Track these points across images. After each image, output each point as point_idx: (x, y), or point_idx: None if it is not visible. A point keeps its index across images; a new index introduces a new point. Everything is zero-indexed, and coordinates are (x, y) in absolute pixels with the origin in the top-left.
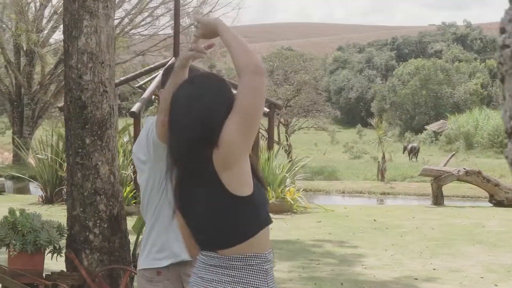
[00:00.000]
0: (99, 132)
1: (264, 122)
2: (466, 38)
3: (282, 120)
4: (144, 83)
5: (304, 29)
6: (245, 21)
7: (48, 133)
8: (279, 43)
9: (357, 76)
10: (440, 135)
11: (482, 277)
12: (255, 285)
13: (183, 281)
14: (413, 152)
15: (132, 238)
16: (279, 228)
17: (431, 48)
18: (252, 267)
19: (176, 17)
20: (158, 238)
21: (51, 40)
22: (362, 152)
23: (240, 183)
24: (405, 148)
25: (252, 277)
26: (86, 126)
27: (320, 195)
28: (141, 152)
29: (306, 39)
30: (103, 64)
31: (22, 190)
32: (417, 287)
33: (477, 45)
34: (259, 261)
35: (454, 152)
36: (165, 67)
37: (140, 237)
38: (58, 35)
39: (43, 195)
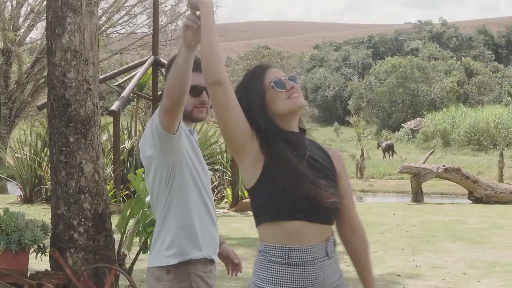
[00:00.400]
0: (83, 130)
1: None
2: (442, 36)
3: None
4: (123, 82)
5: (280, 28)
6: (220, 19)
7: (26, 132)
8: (255, 42)
9: (334, 74)
10: (417, 133)
11: (464, 273)
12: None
13: (192, 281)
14: (388, 149)
15: (117, 237)
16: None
17: (407, 46)
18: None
19: (155, 15)
20: (168, 235)
21: (28, 39)
22: (340, 150)
23: (243, 177)
24: (379, 145)
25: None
26: (70, 124)
27: None
28: (148, 147)
29: (282, 38)
30: (86, 62)
31: (0, 189)
32: (401, 284)
33: (453, 43)
34: (266, 252)
35: (433, 150)
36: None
37: (125, 235)
38: (35, 34)
39: (22, 194)
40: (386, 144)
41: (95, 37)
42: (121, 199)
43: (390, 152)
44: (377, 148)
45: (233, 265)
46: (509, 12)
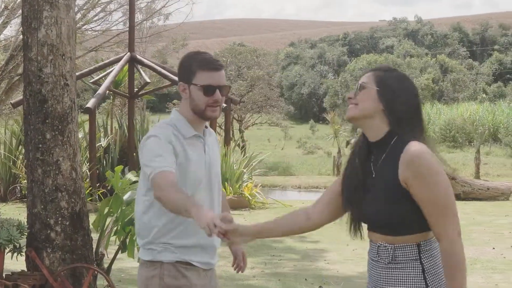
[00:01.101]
0: (60, 127)
1: (220, 117)
2: (417, 33)
3: (235, 116)
4: (99, 79)
5: (255, 25)
6: (195, 17)
7: (0, 131)
8: (230, 39)
9: (309, 72)
10: None
11: None
12: None
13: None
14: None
15: (94, 236)
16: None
17: (382, 43)
18: None
19: (131, 12)
20: None
21: (2, 36)
22: (316, 148)
23: None
24: (348, 143)
25: None
26: (47, 121)
27: (277, 190)
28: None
29: (257, 35)
30: (64, 57)
31: None
32: None
33: (428, 41)
34: None
35: None
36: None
37: (103, 234)
38: (9, 31)
39: None
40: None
41: (72, 31)
42: (97, 197)
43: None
44: (346, 147)
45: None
46: (483, 9)
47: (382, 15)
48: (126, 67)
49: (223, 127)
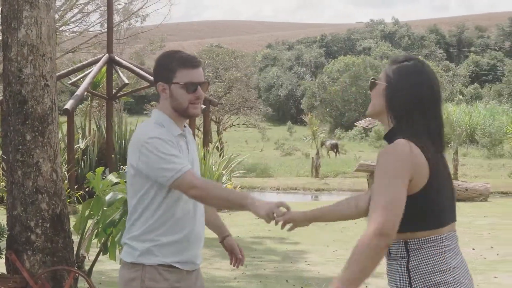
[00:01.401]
0: (40, 128)
1: (199, 119)
2: (394, 35)
3: (213, 117)
4: (77, 80)
5: (232, 27)
6: (173, 18)
7: None
8: (207, 41)
9: (287, 73)
10: (370, 131)
11: None
12: None
13: None
14: (333, 148)
15: (75, 238)
16: None
17: (359, 45)
18: None
19: (110, 13)
20: None
21: None
22: (293, 149)
23: None
24: (322, 144)
25: None
26: (27, 122)
27: (255, 192)
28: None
29: (235, 37)
30: (44, 57)
31: None
32: (363, 283)
33: (405, 42)
34: None
35: None
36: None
37: (84, 237)
38: None
39: None
40: (330, 143)
41: (52, 31)
42: (75, 199)
43: (335, 151)
44: (321, 147)
45: (236, 258)
46: (460, 11)
47: (359, 17)
48: (104, 68)
49: (201, 129)
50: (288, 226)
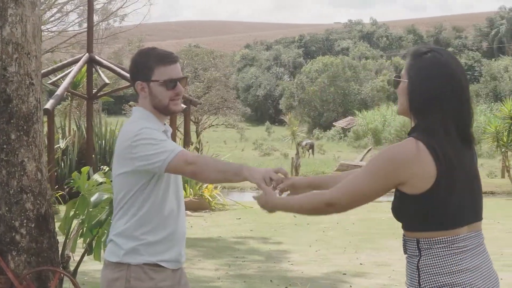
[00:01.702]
0: (25, 127)
1: (179, 119)
2: (372, 35)
3: (192, 118)
4: (57, 80)
5: (210, 27)
6: (151, 18)
7: None
8: (185, 41)
9: (265, 74)
10: (349, 132)
11: None
12: None
13: None
14: (309, 148)
15: (60, 239)
16: (199, 225)
17: (338, 45)
18: None
19: (90, 12)
20: None
21: None
22: (272, 149)
23: None
24: (298, 145)
25: None
26: (12, 121)
27: (235, 192)
28: (129, 165)
29: (213, 37)
30: (29, 55)
31: None
32: (347, 282)
33: (383, 43)
34: None
35: (370, 147)
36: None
37: (69, 237)
38: None
39: None
40: (307, 143)
41: (37, 30)
42: (55, 200)
43: (311, 151)
44: (297, 148)
45: None
46: (437, 12)
47: (338, 18)
48: (85, 68)
49: (180, 129)
50: (286, 193)
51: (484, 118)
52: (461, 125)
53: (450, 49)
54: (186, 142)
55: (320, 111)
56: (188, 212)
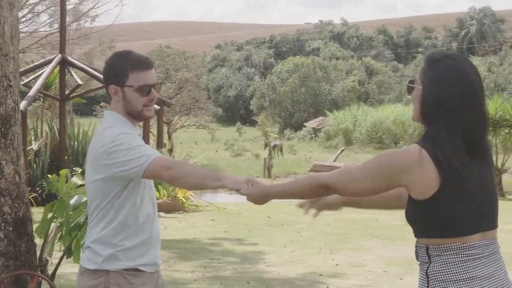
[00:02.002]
0: (3, 129)
1: (152, 120)
2: (342, 36)
3: (164, 118)
4: (29, 81)
5: (181, 28)
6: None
7: None
8: (156, 41)
9: (236, 74)
10: (320, 132)
11: (385, 271)
12: None
13: None
14: (277, 149)
15: (37, 242)
16: (173, 227)
17: (308, 46)
18: None
19: (63, 13)
20: None
21: None
22: (243, 150)
23: None
24: (266, 145)
25: None
26: None
27: (208, 193)
28: (105, 171)
29: (184, 38)
30: (7, 57)
31: None
32: (324, 283)
33: (354, 43)
34: None
35: (343, 148)
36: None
37: (47, 240)
38: None
39: None
40: (274, 144)
41: (15, 31)
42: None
43: (278, 152)
44: (265, 148)
45: None
46: (407, 12)
47: (308, 18)
48: (57, 69)
49: (151, 130)
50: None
51: None
52: (473, 135)
53: (420, 49)
54: (159, 143)
55: (291, 112)
56: (162, 214)
